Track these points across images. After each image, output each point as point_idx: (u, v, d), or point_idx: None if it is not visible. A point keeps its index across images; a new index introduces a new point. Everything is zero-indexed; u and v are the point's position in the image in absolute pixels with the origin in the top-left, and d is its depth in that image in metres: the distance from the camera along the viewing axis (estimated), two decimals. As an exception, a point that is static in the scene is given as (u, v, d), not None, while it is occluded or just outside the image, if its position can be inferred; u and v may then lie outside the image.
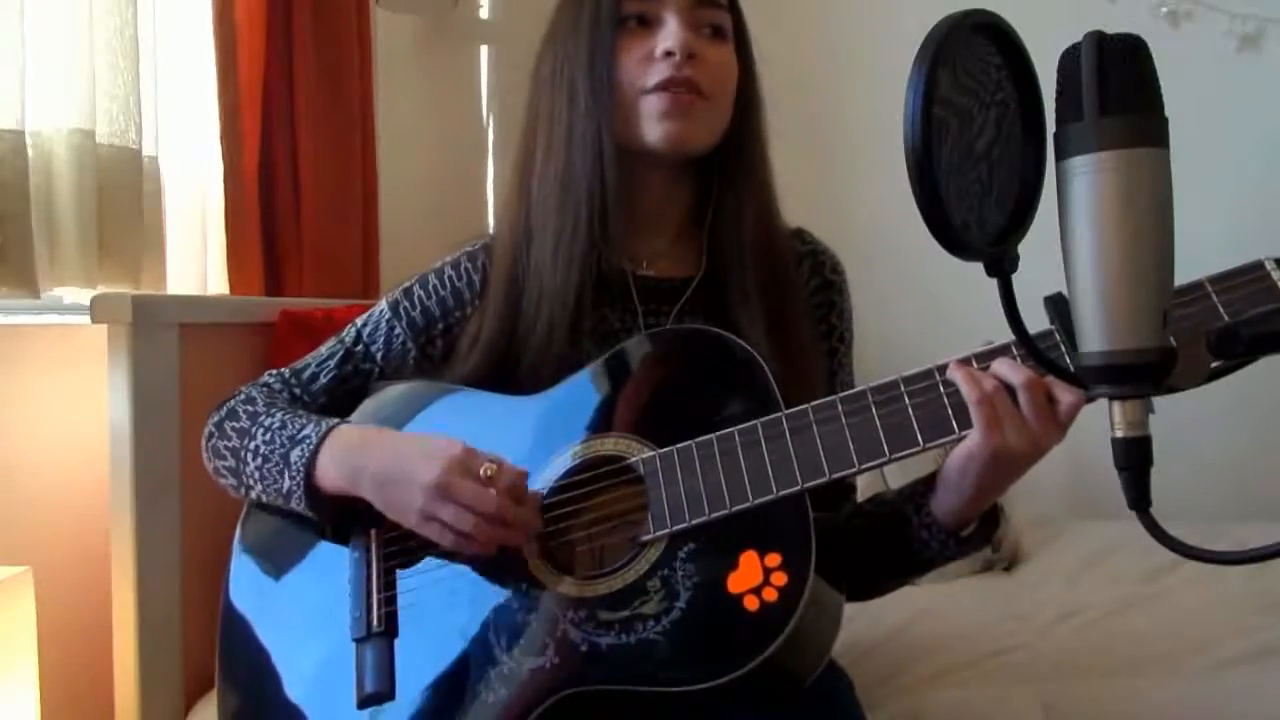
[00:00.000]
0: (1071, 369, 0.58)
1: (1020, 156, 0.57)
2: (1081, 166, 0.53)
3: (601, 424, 0.98)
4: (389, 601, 0.98)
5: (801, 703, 0.90)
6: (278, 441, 1.00)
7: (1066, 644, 1.42)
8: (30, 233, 1.36)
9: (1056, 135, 0.54)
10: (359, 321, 1.12)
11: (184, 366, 1.43)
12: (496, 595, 0.94)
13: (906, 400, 0.87)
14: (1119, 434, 0.55)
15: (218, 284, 1.79)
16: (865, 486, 1.15)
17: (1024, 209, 0.57)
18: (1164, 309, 0.53)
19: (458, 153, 2.53)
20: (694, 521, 0.89)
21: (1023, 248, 0.57)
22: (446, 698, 0.92)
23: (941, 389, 0.87)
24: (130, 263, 1.53)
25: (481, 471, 0.91)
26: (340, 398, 1.10)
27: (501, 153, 2.51)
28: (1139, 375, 0.54)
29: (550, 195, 1.02)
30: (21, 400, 1.45)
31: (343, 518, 1.01)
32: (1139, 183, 0.52)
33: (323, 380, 1.09)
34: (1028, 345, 0.58)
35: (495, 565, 0.96)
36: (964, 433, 0.85)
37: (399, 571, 1.00)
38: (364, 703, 0.95)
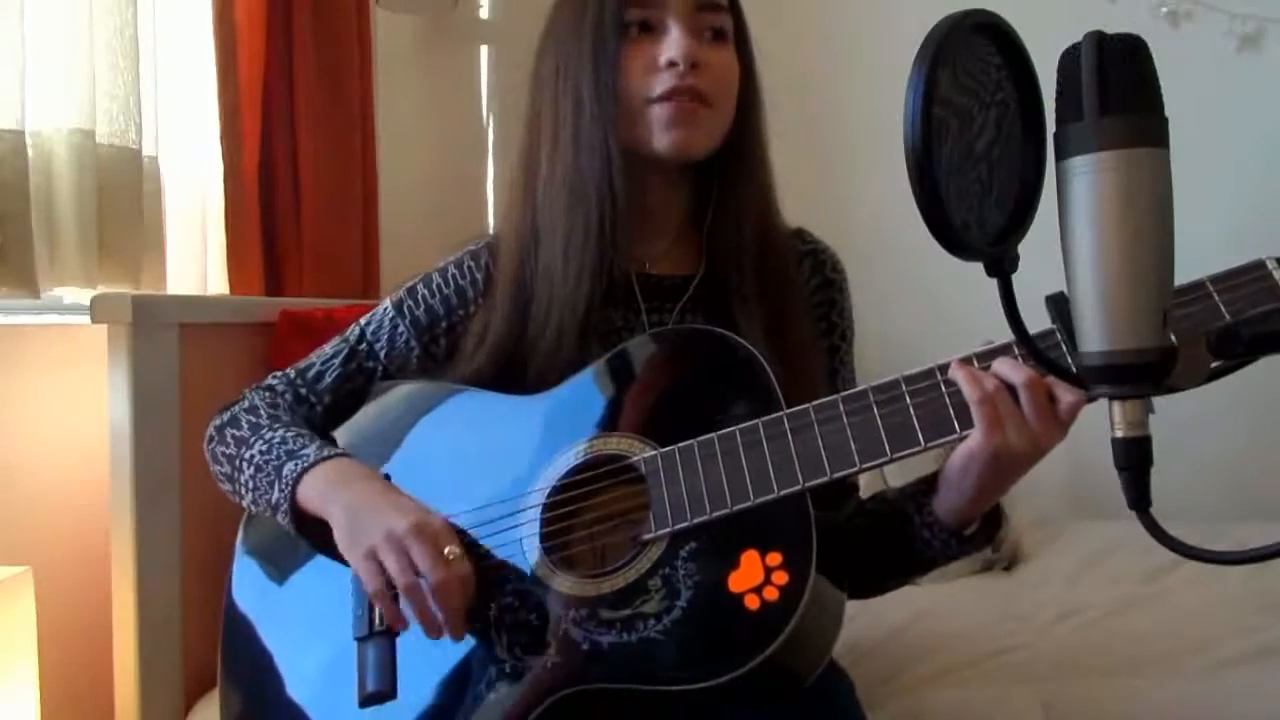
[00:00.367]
0: (1073, 369, 0.58)
1: (1020, 156, 0.57)
2: (1081, 166, 0.53)
3: (603, 423, 0.98)
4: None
5: (802, 702, 0.90)
6: (275, 454, 1.00)
7: (1066, 644, 1.42)
8: (30, 233, 1.37)
9: (1056, 135, 0.54)
10: (363, 320, 1.12)
11: (184, 366, 1.43)
12: (499, 594, 0.94)
13: (908, 400, 0.87)
14: (1119, 434, 0.55)
15: (218, 284, 1.79)
16: (866, 486, 1.15)
17: (1024, 209, 0.57)
18: (1164, 309, 0.53)
19: (458, 153, 2.53)
20: (695, 520, 0.90)
21: (1023, 248, 0.57)
22: (448, 696, 0.93)
23: (943, 388, 0.87)
24: (130, 263, 1.53)
25: (446, 550, 0.90)
26: (345, 396, 1.10)
27: (501, 153, 2.52)
28: (1139, 375, 0.54)
29: (558, 201, 1.02)
30: (21, 400, 1.45)
31: (322, 545, 1.00)
32: (1139, 183, 0.52)
33: (328, 380, 1.09)
34: (1028, 345, 0.58)
35: (498, 564, 0.96)
36: (965, 432, 0.85)
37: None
38: (365, 701, 0.95)
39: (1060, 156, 0.54)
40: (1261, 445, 2.19)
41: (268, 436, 1.02)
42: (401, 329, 1.09)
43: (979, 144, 0.55)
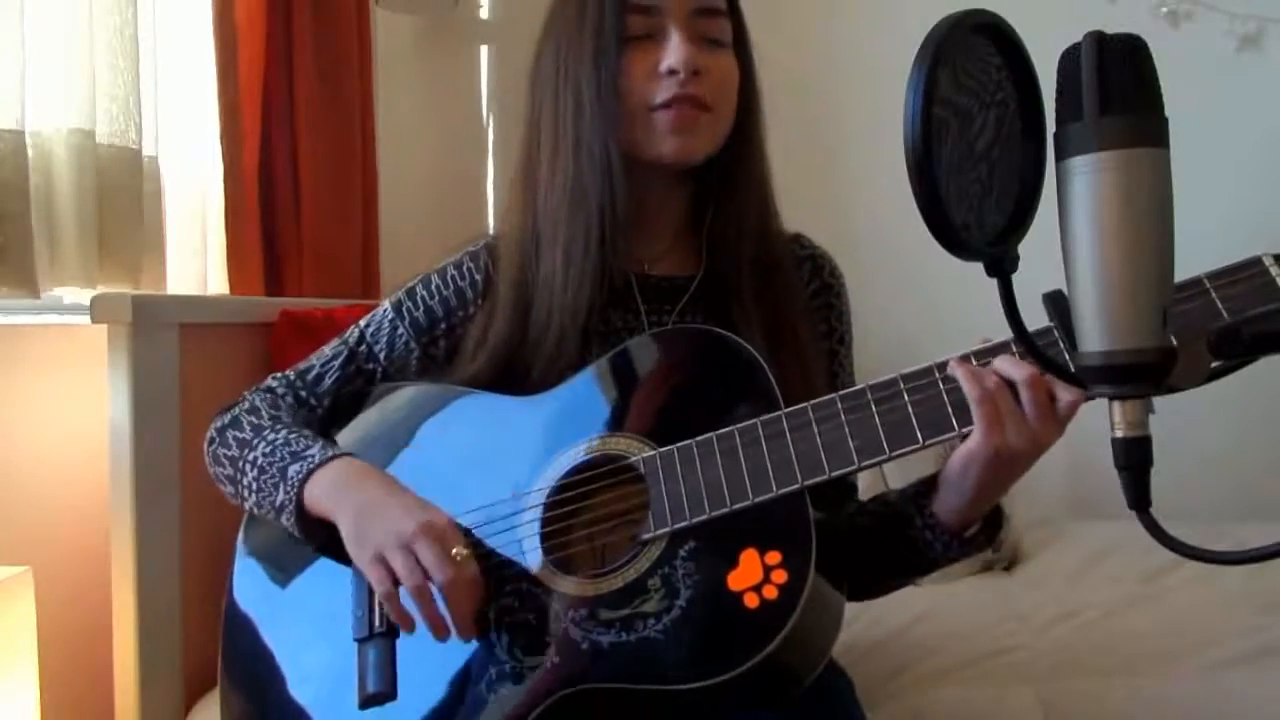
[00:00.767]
0: (1071, 367, 0.58)
1: (1020, 156, 0.57)
2: (1081, 166, 0.53)
3: (603, 423, 0.98)
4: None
5: (802, 702, 0.90)
6: (278, 456, 1.00)
7: (1066, 644, 1.42)
8: (30, 233, 1.36)
9: (1056, 135, 0.54)
10: (362, 322, 1.12)
11: (184, 366, 1.43)
12: (498, 594, 0.94)
13: (906, 398, 0.87)
14: (1119, 434, 0.55)
15: (218, 284, 1.79)
16: (866, 486, 1.15)
17: (1024, 209, 0.57)
18: (1164, 309, 0.53)
19: (458, 153, 2.53)
20: (694, 520, 0.90)
21: (1023, 248, 0.57)
22: (448, 697, 0.93)
23: (941, 386, 0.87)
24: (130, 263, 1.53)
25: (454, 551, 0.90)
26: (345, 398, 1.10)
27: (501, 153, 2.52)
28: (1139, 375, 0.54)
29: (559, 206, 1.02)
30: (21, 400, 1.45)
31: (327, 546, 1.00)
32: (1139, 183, 0.52)
33: (327, 382, 1.10)
34: (1028, 345, 0.58)
35: (497, 564, 0.96)
36: (964, 430, 0.85)
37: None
38: (366, 703, 0.95)
39: (1060, 156, 0.54)
40: (1262, 444, 2.19)
41: (270, 438, 1.02)
42: (401, 331, 1.09)
43: (979, 144, 0.55)
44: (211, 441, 1.08)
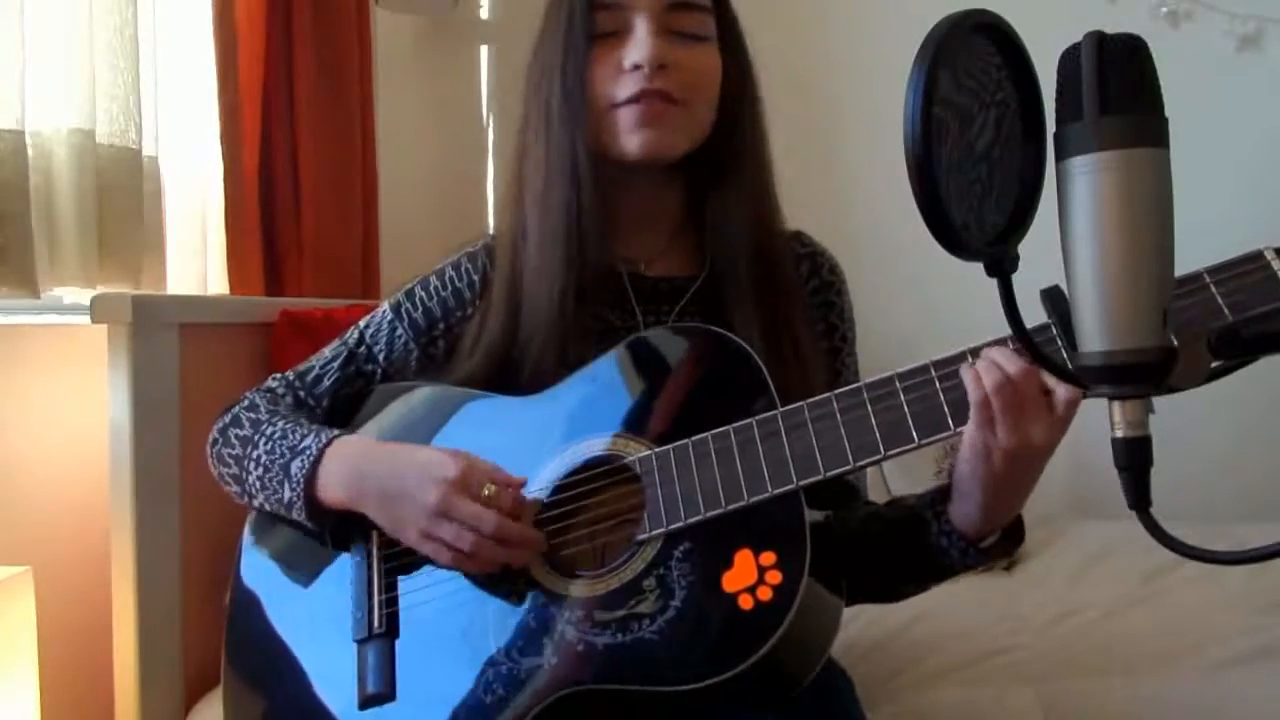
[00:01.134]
0: (1069, 365, 0.58)
1: (1020, 156, 0.57)
2: (1081, 166, 0.53)
3: (600, 423, 0.98)
4: (390, 603, 0.98)
5: (801, 702, 0.89)
6: (278, 451, 1.00)
7: (1066, 644, 1.42)
8: (30, 233, 1.37)
9: (1056, 135, 0.54)
10: (361, 323, 1.12)
11: (184, 366, 1.43)
12: (496, 596, 0.95)
13: (902, 397, 0.87)
14: (1119, 434, 0.55)
15: (218, 284, 1.79)
16: (867, 486, 1.15)
17: (1024, 209, 0.57)
18: (1164, 309, 0.53)
19: (458, 153, 2.53)
20: (689, 520, 0.90)
21: (1023, 248, 0.57)
22: (446, 698, 0.92)
23: (937, 385, 0.86)
24: (130, 263, 1.53)
25: (483, 491, 0.91)
26: (344, 399, 1.10)
27: (501, 153, 2.52)
28: (1139, 375, 0.54)
29: (536, 203, 1.03)
30: (21, 400, 1.45)
31: (342, 527, 1.01)
32: (1139, 183, 0.52)
33: (326, 383, 1.10)
34: (1028, 345, 0.58)
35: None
36: (959, 429, 0.85)
37: (400, 573, 1.00)
38: (365, 704, 0.95)
39: (1060, 156, 0.54)
40: (1262, 445, 2.19)
41: (268, 432, 1.02)
42: (400, 332, 1.09)
43: (979, 144, 0.55)
44: (215, 442, 1.08)
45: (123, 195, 1.52)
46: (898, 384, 0.88)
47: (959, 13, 0.54)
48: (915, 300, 2.30)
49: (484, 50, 2.59)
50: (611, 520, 0.96)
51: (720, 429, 0.91)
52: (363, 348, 1.10)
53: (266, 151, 1.84)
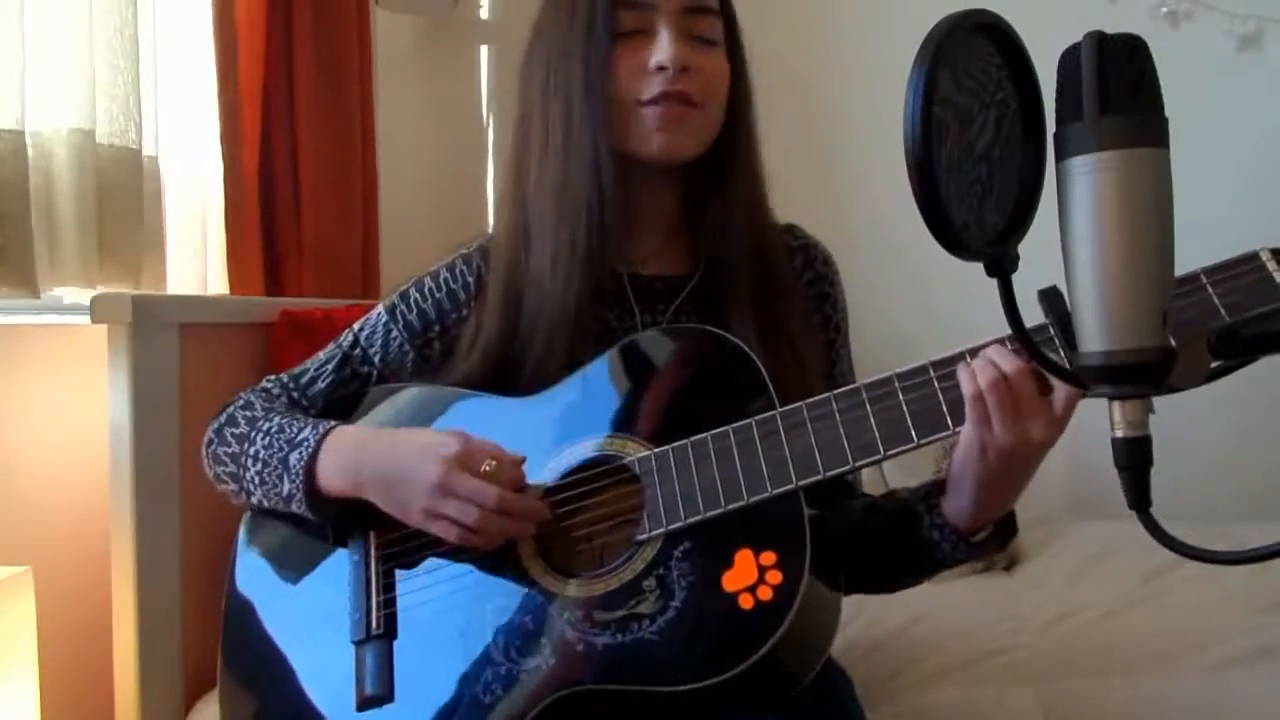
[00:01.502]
0: (1067, 364, 0.58)
1: (1020, 156, 0.57)
2: (1081, 166, 0.53)
3: (599, 424, 0.98)
4: (388, 604, 0.98)
5: (801, 702, 0.90)
6: (276, 445, 1.00)
7: (1066, 644, 1.42)
8: (30, 233, 1.37)
9: (1056, 135, 0.54)
10: (356, 326, 1.12)
11: (184, 366, 1.43)
12: (494, 596, 0.95)
13: (901, 397, 0.87)
14: (1119, 434, 0.55)
15: (218, 284, 1.79)
16: (867, 485, 1.15)
17: (1024, 209, 0.57)
18: (1164, 309, 0.53)
19: (458, 153, 2.53)
20: (689, 520, 0.90)
21: (1023, 248, 0.57)
22: (445, 700, 0.92)
23: (936, 385, 0.86)
24: (130, 263, 1.53)
25: (483, 466, 0.91)
26: (339, 402, 1.10)
27: (501, 153, 2.51)
28: (1139, 375, 0.54)
29: (548, 204, 1.02)
30: (21, 400, 1.45)
31: (344, 519, 1.01)
32: (1139, 183, 0.52)
33: (321, 385, 1.10)
34: (1028, 345, 0.58)
35: (493, 566, 0.96)
36: (958, 429, 0.85)
37: (398, 574, 1.00)
38: (363, 705, 0.95)
39: (1060, 156, 0.54)
40: (1262, 445, 2.19)
41: (264, 428, 1.02)
42: (395, 333, 1.09)
43: (979, 144, 0.55)
44: (210, 443, 1.08)
45: (123, 195, 1.52)
46: (897, 384, 0.88)
47: (959, 13, 0.54)
48: (915, 300, 2.30)
49: (484, 50, 2.59)
50: (610, 521, 0.96)
51: (719, 429, 0.91)
52: (357, 350, 1.10)
53: (266, 151, 1.84)
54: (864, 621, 1.45)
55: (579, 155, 1.00)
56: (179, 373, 1.42)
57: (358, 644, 0.97)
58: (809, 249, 1.13)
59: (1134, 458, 0.55)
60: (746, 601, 0.84)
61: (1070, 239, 0.54)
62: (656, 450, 0.93)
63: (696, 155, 1.03)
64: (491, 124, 2.57)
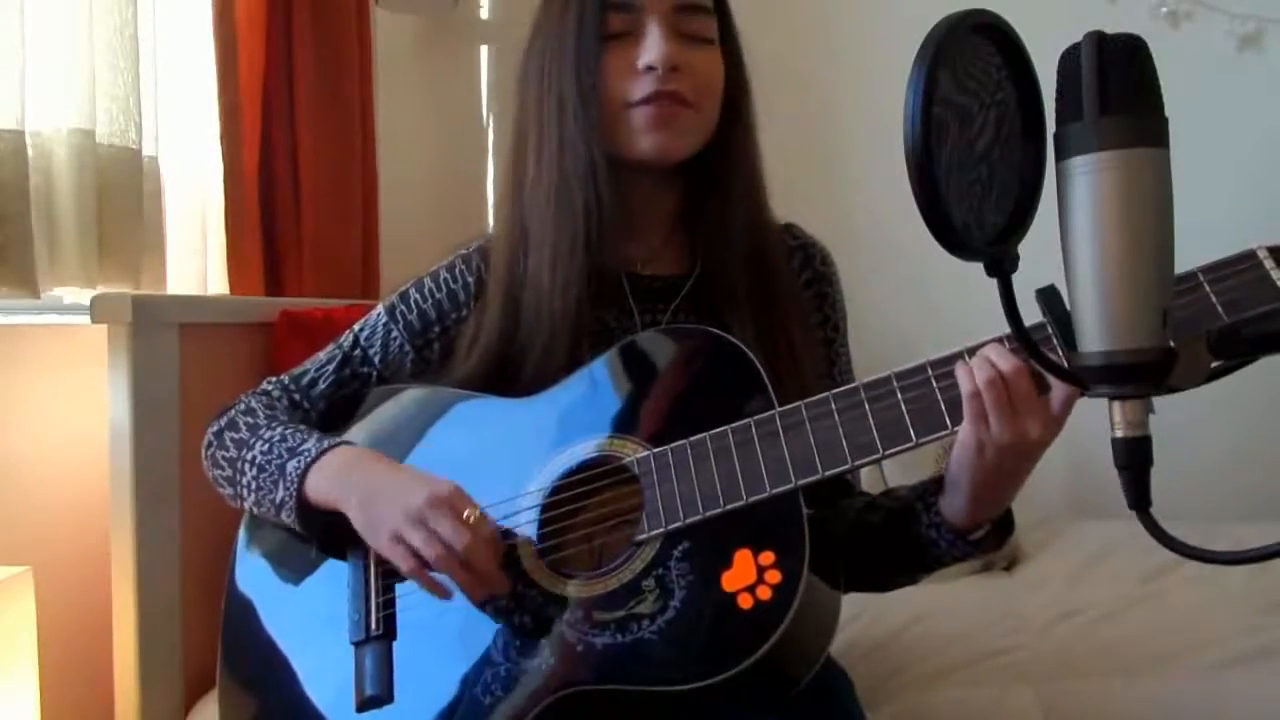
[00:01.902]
0: (1065, 363, 0.58)
1: (1020, 156, 0.57)
2: (1081, 166, 0.53)
3: (599, 424, 0.98)
4: (387, 605, 0.98)
5: (801, 702, 0.90)
6: (276, 453, 1.00)
7: (1066, 644, 1.42)
8: (30, 233, 1.37)
9: (1056, 135, 0.54)
10: (356, 327, 1.12)
11: (184, 366, 1.43)
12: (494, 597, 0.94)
13: (899, 396, 0.87)
14: (1119, 434, 0.55)
15: (218, 284, 1.79)
16: (867, 484, 1.15)
17: (1024, 209, 0.57)
18: (1164, 309, 0.53)
19: (458, 153, 2.53)
20: (688, 520, 0.90)
21: (1023, 248, 0.57)
22: (445, 700, 0.92)
23: (934, 384, 0.86)
24: (130, 263, 1.53)
25: (465, 514, 0.91)
26: (339, 402, 1.10)
27: (501, 153, 2.51)
28: (1139, 375, 0.54)
29: (544, 206, 1.02)
30: (21, 400, 1.45)
31: (329, 535, 1.00)
32: (1139, 183, 0.52)
33: (321, 386, 1.10)
34: (1027, 345, 0.58)
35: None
36: (957, 428, 0.85)
37: (397, 575, 0.99)
38: (363, 706, 0.95)
39: (1060, 156, 0.54)
40: (1262, 445, 2.19)
41: (266, 436, 1.02)
42: (395, 334, 1.09)
43: (979, 144, 0.55)
44: (209, 445, 1.08)
45: (123, 195, 1.52)
46: (895, 384, 0.88)
47: (959, 13, 0.54)
48: (915, 300, 2.30)
49: (484, 50, 2.59)
50: (609, 521, 0.96)
51: (718, 429, 0.91)
52: (357, 350, 1.10)
53: (266, 151, 1.84)
54: (864, 621, 1.45)
55: (574, 159, 1.00)
56: (179, 373, 1.42)
57: (357, 645, 0.97)
58: (808, 248, 1.13)
59: (1134, 458, 0.55)
60: (746, 601, 0.84)
61: (1070, 239, 0.54)
62: (655, 451, 0.93)
63: (691, 155, 1.03)
64: (491, 124, 2.57)
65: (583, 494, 0.96)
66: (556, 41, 1.02)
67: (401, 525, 0.91)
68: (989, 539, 0.95)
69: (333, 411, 1.09)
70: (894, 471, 1.71)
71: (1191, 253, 0.71)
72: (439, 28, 2.52)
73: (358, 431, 1.08)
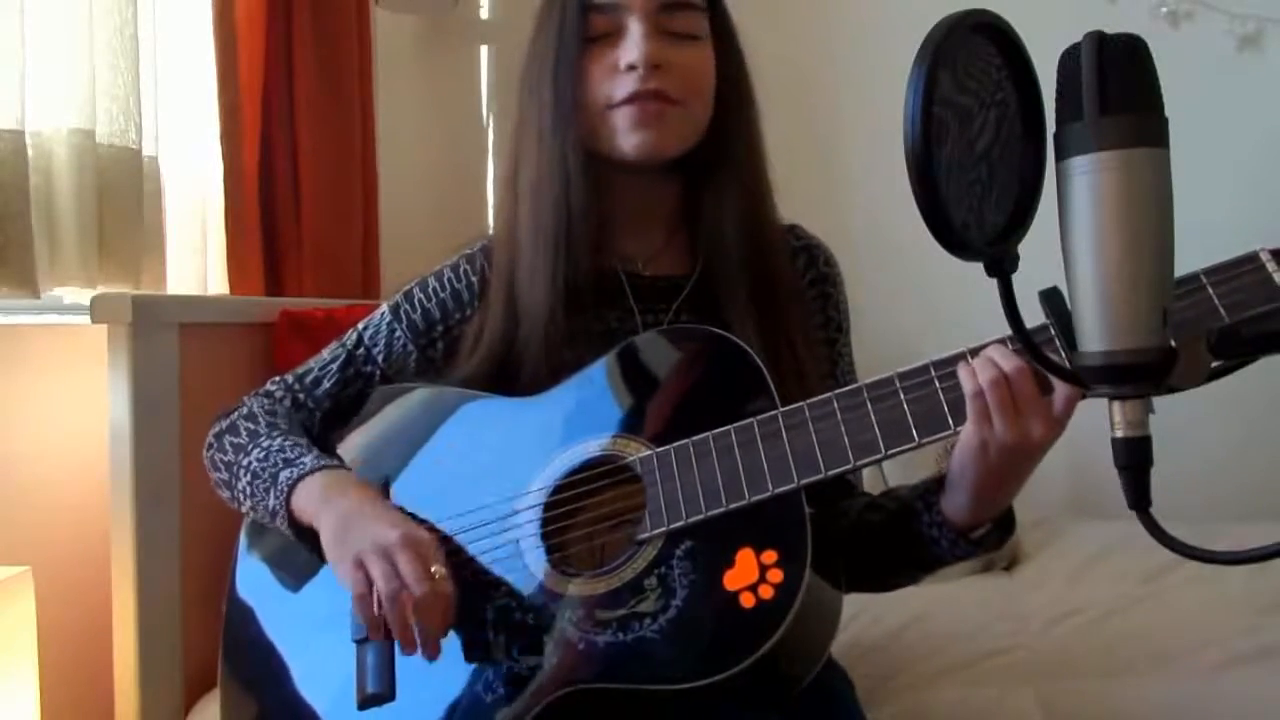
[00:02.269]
0: (1068, 364, 0.58)
1: (1020, 156, 0.57)
2: (1081, 166, 0.53)
3: (600, 424, 0.98)
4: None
5: (801, 702, 0.90)
6: (272, 461, 1.00)
7: (1066, 644, 1.42)
8: (30, 233, 1.37)
9: (1056, 135, 0.54)
10: (360, 325, 1.12)
11: (184, 366, 1.43)
12: (495, 595, 0.95)
13: (902, 396, 0.87)
14: (1119, 434, 0.55)
15: (218, 284, 1.79)
16: (867, 485, 1.15)
17: (1024, 209, 0.57)
18: (1164, 309, 0.53)
19: (458, 153, 2.53)
20: (690, 520, 0.90)
21: (1023, 247, 0.57)
22: (447, 698, 0.93)
23: (937, 385, 0.87)
24: (130, 263, 1.53)
25: (433, 568, 0.89)
26: (343, 401, 1.10)
27: (501, 153, 2.51)
28: (1139, 375, 0.54)
29: (529, 204, 1.03)
30: (21, 400, 1.45)
31: (317, 549, 1.00)
32: (1139, 183, 0.52)
33: (326, 385, 1.10)
34: (1028, 345, 0.58)
35: (494, 565, 0.96)
36: (959, 428, 0.85)
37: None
38: (364, 704, 0.94)
39: (1060, 156, 0.54)
40: (1262, 445, 2.19)
41: (265, 444, 1.02)
42: (399, 333, 1.09)
43: (979, 144, 0.55)
44: (210, 447, 1.09)
45: (123, 195, 1.52)
46: (898, 384, 0.88)
47: (959, 13, 0.54)
48: (915, 300, 2.30)
49: (484, 50, 2.59)
50: (611, 520, 0.96)
51: (721, 429, 0.91)
52: (361, 350, 1.10)
53: (266, 151, 1.84)
54: (864, 621, 1.45)
55: (550, 156, 1.01)
56: (179, 373, 1.42)
57: (359, 642, 0.97)
58: (811, 249, 1.13)
59: (1134, 458, 0.55)
60: (748, 600, 0.84)
61: (1070, 239, 0.54)
62: (658, 450, 0.93)
63: (680, 153, 1.03)
64: (491, 124, 2.57)
65: (585, 493, 0.96)
66: (544, 46, 1.03)
67: (367, 552, 0.90)
68: (990, 538, 0.95)
69: (337, 411, 1.10)
70: (895, 471, 1.71)
71: (1191, 253, 0.70)
72: (439, 28, 2.52)
73: (361, 431, 1.08)
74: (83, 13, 1.46)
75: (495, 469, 1.00)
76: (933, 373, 0.87)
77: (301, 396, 1.10)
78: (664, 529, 0.90)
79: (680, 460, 0.92)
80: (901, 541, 0.97)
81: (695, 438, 0.92)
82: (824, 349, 1.10)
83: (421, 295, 1.10)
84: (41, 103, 1.43)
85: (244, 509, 1.05)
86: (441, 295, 1.09)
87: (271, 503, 0.99)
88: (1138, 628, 1.46)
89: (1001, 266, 0.56)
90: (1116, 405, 0.55)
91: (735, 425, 0.91)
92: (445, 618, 0.90)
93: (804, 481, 0.87)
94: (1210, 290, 0.79)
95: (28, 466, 1.45)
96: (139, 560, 1.35)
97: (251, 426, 1.05)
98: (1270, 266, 0.78)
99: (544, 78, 1.02)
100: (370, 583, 0.89)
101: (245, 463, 1.02)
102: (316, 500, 0.96)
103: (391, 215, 2.17)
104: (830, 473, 0.87)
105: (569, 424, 0.99)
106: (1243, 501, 2.11)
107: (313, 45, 1.91)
